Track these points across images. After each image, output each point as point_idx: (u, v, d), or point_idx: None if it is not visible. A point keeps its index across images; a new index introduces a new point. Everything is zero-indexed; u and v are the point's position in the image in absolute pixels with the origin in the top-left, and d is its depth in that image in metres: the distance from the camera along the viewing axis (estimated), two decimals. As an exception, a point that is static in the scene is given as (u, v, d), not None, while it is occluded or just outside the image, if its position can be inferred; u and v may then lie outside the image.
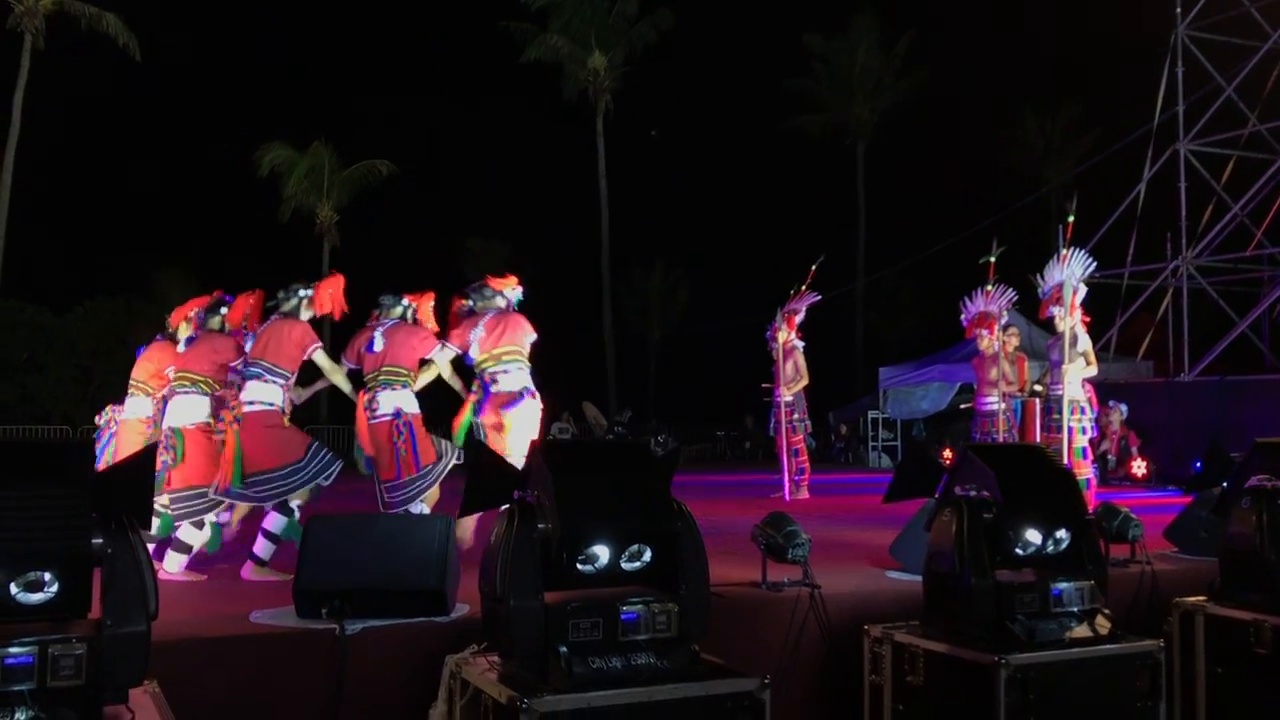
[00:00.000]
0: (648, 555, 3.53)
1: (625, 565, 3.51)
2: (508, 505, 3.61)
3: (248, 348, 6.55)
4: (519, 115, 40.66)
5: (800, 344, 11.64)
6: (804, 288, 11.77)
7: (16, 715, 2.84)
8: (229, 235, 36.66)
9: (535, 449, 3.68)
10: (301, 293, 6.62)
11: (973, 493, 4.29)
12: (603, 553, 3.47)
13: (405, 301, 6.89)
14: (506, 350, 6.94)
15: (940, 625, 4.25)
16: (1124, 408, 14.44)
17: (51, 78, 27.54)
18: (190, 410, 6.39)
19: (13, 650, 2.83)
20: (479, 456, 3.95)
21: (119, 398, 7.56)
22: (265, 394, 6.27)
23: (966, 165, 34.34)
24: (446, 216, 37.81)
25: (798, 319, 11.63)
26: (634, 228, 33.48)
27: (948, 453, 14.27)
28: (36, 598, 2.88)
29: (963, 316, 10.71)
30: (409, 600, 4.34)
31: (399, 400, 6.57)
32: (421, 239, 36.75)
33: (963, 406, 17.52)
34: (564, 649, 3.34)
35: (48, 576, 2.88)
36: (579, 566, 3.46)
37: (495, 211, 39.35)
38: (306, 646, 4.13)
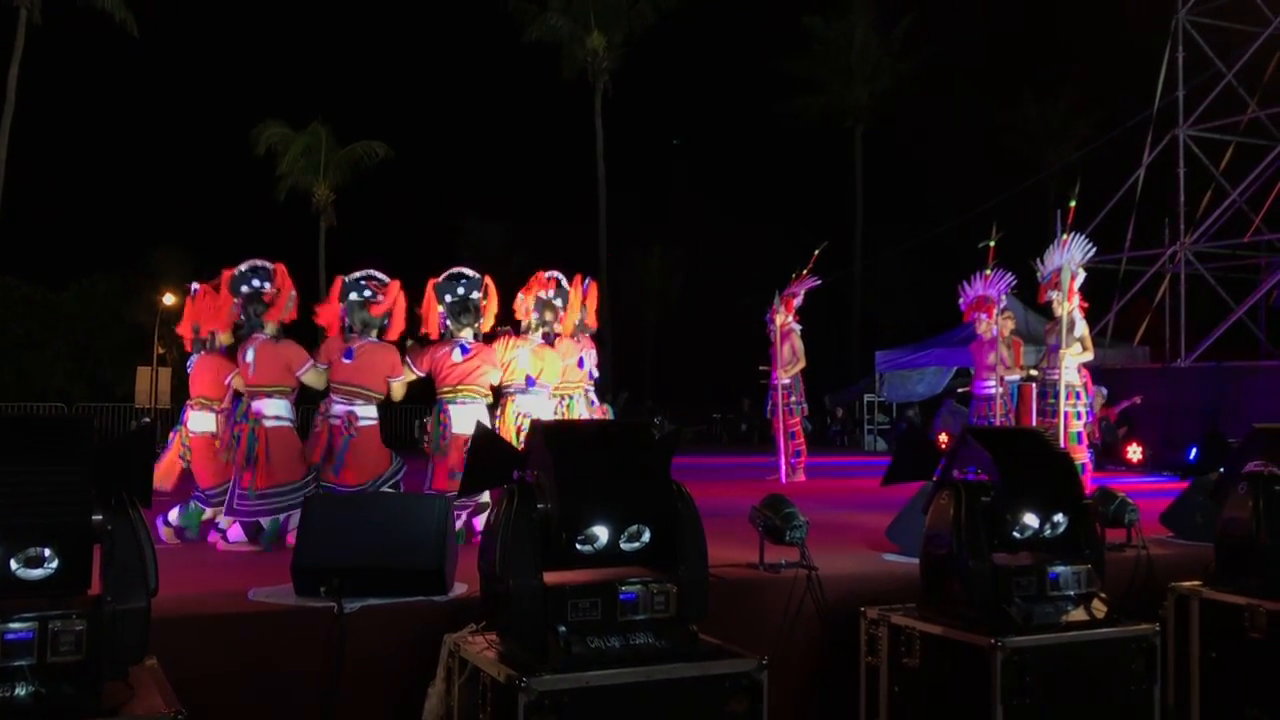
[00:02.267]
0: (647, 536, 3.53)
1: (624, 546, 3.51)
2: (508, 485, 3.61)
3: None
4: (517, 96, 40.55)
5: (798, 327, 11.65)
6: (805, 273, 11.77)
7: (17, 690, 2.84)
8: (225, 213, 36.59)
9: (535, 429, 3.68)
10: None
11: (970, 476, 4.30)
12: (602, 533, 3.47)
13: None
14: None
15: (937, 608, 4.27)
16: (1104, 390, 14.48)
17: (48, 54, 27.42)
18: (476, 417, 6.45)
19: (13, 626, 2.83)
20: (480, 437, 3.95)
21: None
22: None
23: (965, 149, 34.31)
24: (443, 197, 37.78)
25: (796, 302, 11.64)
26: (632, 209, 33.43)
27: (944, 437, 14.32)
28: (37, 573, 2.88)
29: (961, 300, 10.72)
30: (408, 579, 4.34)
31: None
32: (418, 220, 36.73)
33: (960, 390, 17.56)
34: (563, 628, 3.35)
35: (48, 552, 2.88)
36: (578, 547, 3.46)
37: (492, 193, 39.31)
38: (305, 624, 4.13)
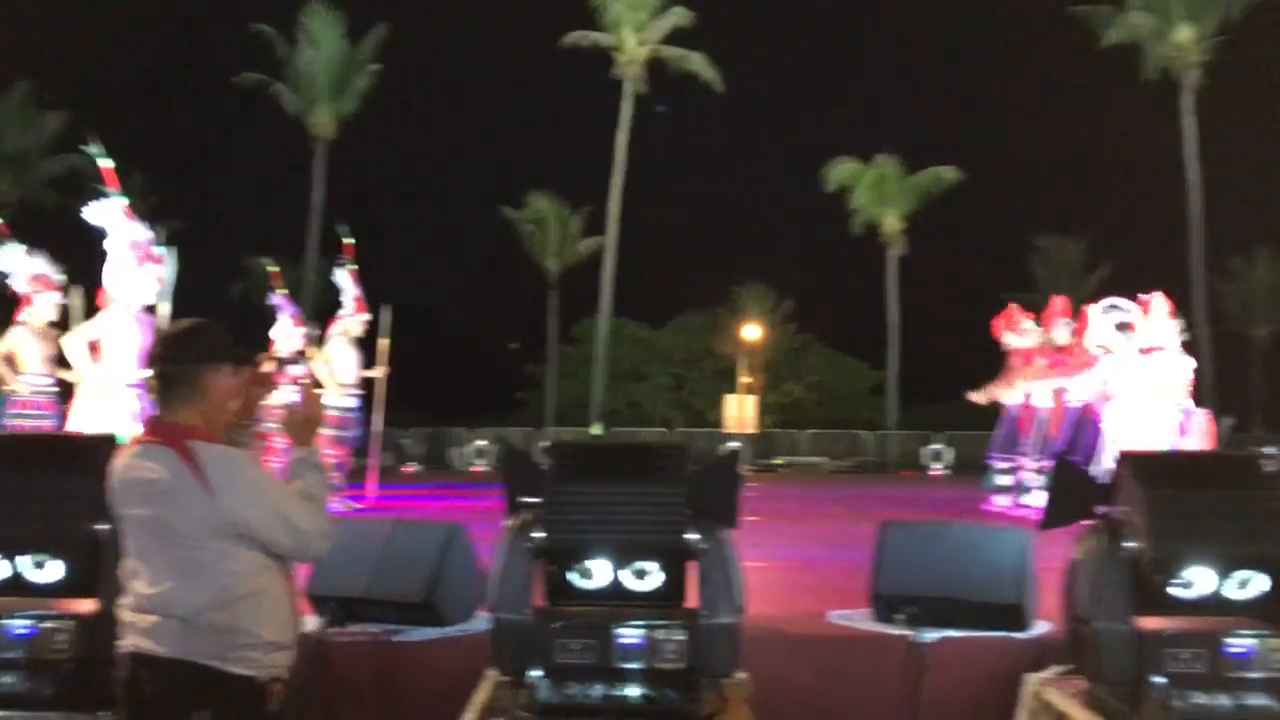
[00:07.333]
0: (1260, 582, 3.13)
1: (1231, 592, 3.14)
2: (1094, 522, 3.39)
3: None
4: (1088, 103, 38.29)
5: None
6: None
7: (628, 689, 3.17)
8: (799, 249, 38.51)
9: (1124, 460, 3.42)
10: None
11: None
12: (1203, 577, 3.14)
13: None
14: None
15: None
16: None
17: (646, 116, 30.71)
18: None
19: (627, 631, 3.17)
20: (1062, 470, 3.77)
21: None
22: None
23: None
24: (1015, 216, 36.61)
25: None
26: (1232, 213, 29.96)
27: None
28: (642, 585, 3.21)
29: None
30: (985, 612, 4.21)
31: None
32: (989, 241, 35.96)
33: None
34: (1160, 680, 3.06)
35: (654, 566, 3.19)
36: (1174, 590, 3.15)
37: (1066, 207, 37.38)
38: (883, 651, 4.17)
